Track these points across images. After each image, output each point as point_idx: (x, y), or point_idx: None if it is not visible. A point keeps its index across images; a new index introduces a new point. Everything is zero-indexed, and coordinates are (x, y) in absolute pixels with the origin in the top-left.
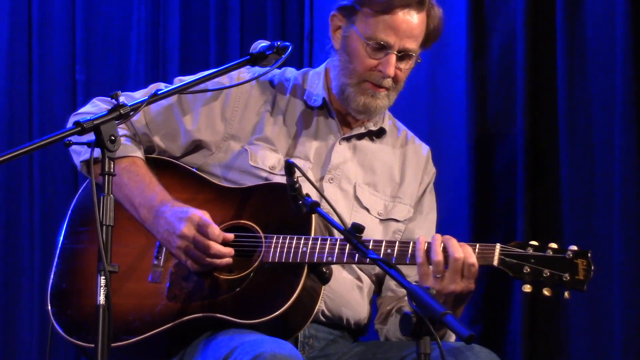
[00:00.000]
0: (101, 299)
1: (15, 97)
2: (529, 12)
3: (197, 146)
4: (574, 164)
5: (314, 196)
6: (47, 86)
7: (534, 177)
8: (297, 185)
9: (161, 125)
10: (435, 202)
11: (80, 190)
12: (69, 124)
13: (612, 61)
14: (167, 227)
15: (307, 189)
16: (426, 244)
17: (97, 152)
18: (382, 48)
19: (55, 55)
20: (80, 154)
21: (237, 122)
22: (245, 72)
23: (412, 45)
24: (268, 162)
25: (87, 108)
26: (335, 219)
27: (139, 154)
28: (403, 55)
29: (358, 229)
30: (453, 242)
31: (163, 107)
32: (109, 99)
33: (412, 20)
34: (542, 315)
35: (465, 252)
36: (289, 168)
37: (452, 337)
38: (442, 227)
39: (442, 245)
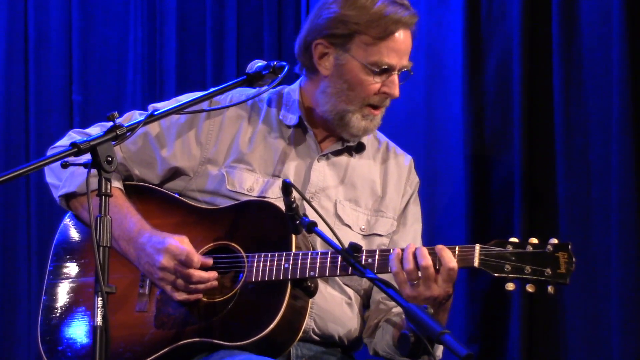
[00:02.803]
0: (98, 320)
1: (12, 118)
2: (524, 31)
3: (175, 172)
4: (570, 181)
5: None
6: (44, 107)
7: (531, 195)
8: (294, 205)
9: (137, 154)
10: (420, 212)
11: (60, 226)
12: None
13: (608, 79)
14: (148, 260)
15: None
16: (400, 253)
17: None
18: (386, 71)
19: (51, 76)
20: (58, 188)
21: (212, 145)
22: (224, 96)
23: (408, 61)
24: (245, 185)
25: (63, 142)
26: (332, 238)
27: (117, 184)
28: (401, 72)
29: (355, 248)
30: (422, 251)
31: (138, 135)
32: (84, 130)
33: (407, 39)
34: (540, 335)
35: (446, 257)
36: (286, 188)
37: (439, 350)
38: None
39: (413, 253)
